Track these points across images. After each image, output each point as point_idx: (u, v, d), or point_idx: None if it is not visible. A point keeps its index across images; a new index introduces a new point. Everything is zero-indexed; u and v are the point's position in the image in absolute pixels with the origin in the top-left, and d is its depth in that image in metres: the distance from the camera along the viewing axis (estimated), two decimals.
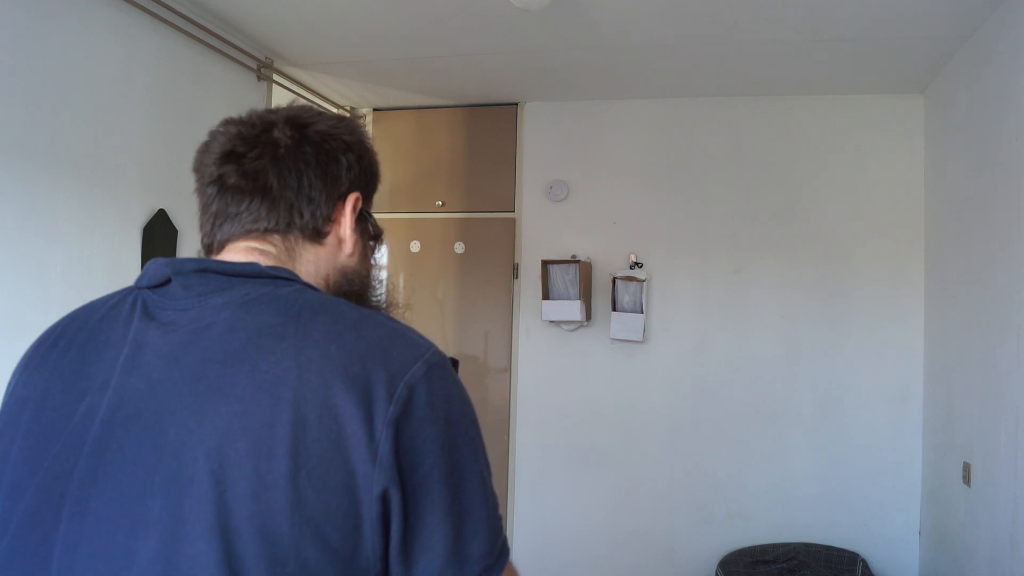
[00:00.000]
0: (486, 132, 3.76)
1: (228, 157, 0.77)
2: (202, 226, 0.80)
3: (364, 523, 0.62)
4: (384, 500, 0.62)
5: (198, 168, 0.80)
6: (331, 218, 0.80)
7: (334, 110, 3.75)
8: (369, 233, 0.85)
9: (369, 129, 3.89)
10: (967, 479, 2.63)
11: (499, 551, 0.68)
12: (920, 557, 3.21)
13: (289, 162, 0.76)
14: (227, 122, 0.80)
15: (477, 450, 0.69)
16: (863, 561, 3.16)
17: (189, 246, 2.62)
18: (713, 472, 3.43)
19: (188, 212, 2.63)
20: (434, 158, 3.81)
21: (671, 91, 3.46)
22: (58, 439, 0.67)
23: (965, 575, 2.64)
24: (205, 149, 0.79)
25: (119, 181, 2.34)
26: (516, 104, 3.72)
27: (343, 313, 0.69)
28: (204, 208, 0.79)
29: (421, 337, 0.70)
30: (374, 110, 3.90)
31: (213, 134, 0.80)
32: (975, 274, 2.63)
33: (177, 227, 2.57)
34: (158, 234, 2.48)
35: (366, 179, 0.84)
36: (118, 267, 2.33)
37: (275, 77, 3.19)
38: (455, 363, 1.15)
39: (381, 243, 0.88)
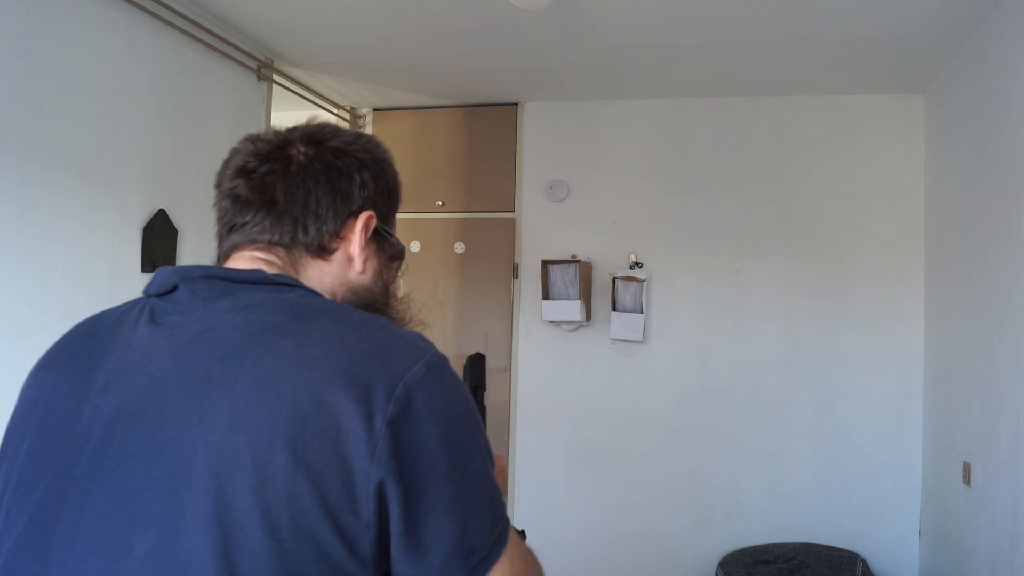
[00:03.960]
0: (486, 132, 3.76)
1: (241, 172, 0.79)
2: (216, 237, 0.82)
3: (361, 519, 0.62)
4: (381, 496, 0.63)
5: (218, 183, 0.82)
6: (339, 235, 0.80)
7: (334, 110, 3.75)
8: (387, 251, 0.85)
9: (369, 129, 3.89)
10: (967, 479, 2.63)
11: (496, 538, 0.69)
12: (920, 557, 3.21)
13: (298, 179, 0.78)
14: (247, 139, 0.82)
15: (479, 445, 0.70)
16: (863, 561, 3.16)
17: (189, 246, 2.62)
18: (713, 472, 3.43)
19: (188, 212, 2.63)
20: (434, 158, 3.81)
21: (671, 91, 3.46)
22: (62, 438, 0.69)
23: (965, 575, 2.64)
24: (225, 164, 0.82)
25: (119, 181, 2.34)
26: (516, 104, 3.72)
27: (345, 316, 0.70)
28: (219, 219, 0.81)
29: (422, 339, 0.71)
30: (374, 110, 3.90)
31: (233, 150, 0.82)
32: (975, 274, 2.63)
33: (177, 227, 2.57)
34: (158, 234, 2.48)
35: (383, 198, 0.83)
36: (118, 267, 2.33)
37: (275, 77, 3.19)
38: (482, 357, 1.13)
39: (402, 261, 0.89)
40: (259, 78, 3.07)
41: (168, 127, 2.56)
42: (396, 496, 0.63)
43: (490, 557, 0.67)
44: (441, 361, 0.69)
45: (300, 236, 0.78)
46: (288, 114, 3.66)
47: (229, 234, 0.80)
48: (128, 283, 2.37)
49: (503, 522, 0.70)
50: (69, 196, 2.15)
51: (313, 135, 0.81)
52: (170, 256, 2.53)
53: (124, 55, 2.35)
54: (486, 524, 0.68)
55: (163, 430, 0.64)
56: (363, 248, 0.81)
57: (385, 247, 0.85)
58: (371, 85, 3.50)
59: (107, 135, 2.29)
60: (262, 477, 0.61)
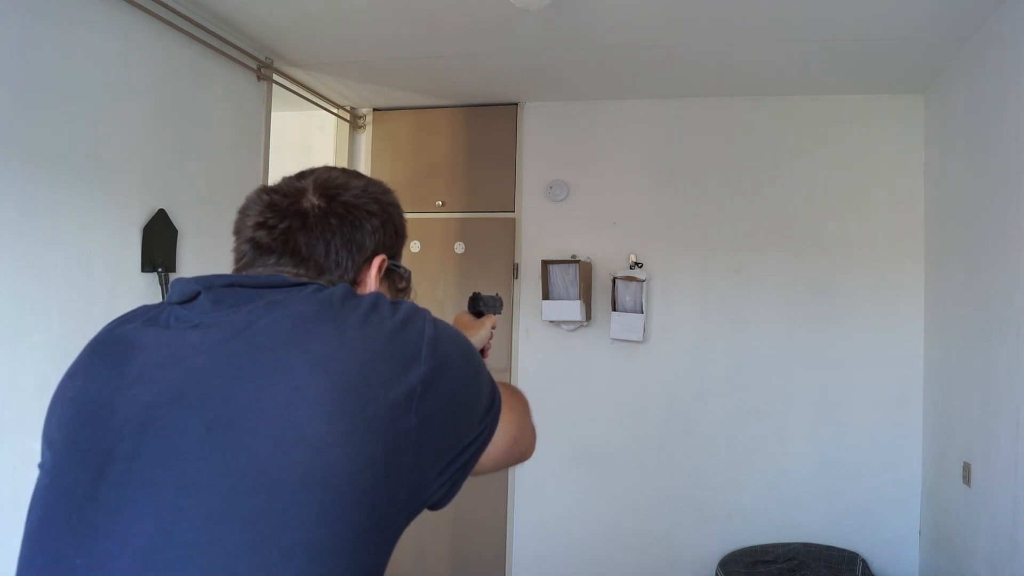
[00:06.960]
0: (486, 132, 3.76)
1: (262, 226, 0.87)
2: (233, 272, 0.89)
3: (404, 467, 0.74)
4: (422, 438, 0.75)
5: (238, 231, 0.89)
6: (356, 280, 0.89)
7: (334, 110, 3.75)
8: (396, 282, 0.96)
9: (369, 129, 3.89)
10: (967, 479, 2.63)
11: (495, 410, 0.88)
12: (920, 557, 3.21)
13: (316, 231, 0.86)
14: (261, 190, 0.90)
15: (477, 356, 0.87)
16: (863, 561, 3.16)
17: (189, 246, 2.62)
18: (713, 472, 3.43)
19: (188, 212, 2.63)
20: (434, 158, 3.81)
21: (671, 91, 3.46)
22: (95, 425, 0.75)
23: (965, 575, 2.64)
24: (243, 215, 0.89)
25: (119, 181, 2.34)
26: (516, 104, 3.72)
27: (361, 301, 0.80)
28: (237, 260, 0.89)
29: (414, 304, 0.84)
30: (374, 110, 3.90)
31: (249, 201, 0.90)
32: (975, 274, 2.63)
33: (177, 227, 2.57)
34: (158, 234, 2.48)
35: (392, 239, 0.93)
36: (118, 267, 2.33)
37: (275, 77, 3.19)
38: (500, 300, 1.42)
39: (409, 293, 0.98)
40: (259, 78, 3.07)
41: (168, 127, 2.55)
42: (431, 435, 0.76)
43: (496, 416, 0.87)
44: (431, 315, 0.84)
45: (325, 276, 0.87)
46: (288, 114, 3.65)
47: (249, 269, 0.87)
48: (128, 283, 2.37)
49: (497, 393, 0.90)
50: (69, 196, 2.15)
51: (325, 187, 0.88)
52: (170, 256, 2.53)
53: (124, 55, 2.35)
54: (494, 397, 0.88)
55: (211, 410, 0.71)
56: (377, 288, 0.90)
57: (395, 278, 0.96)
58: (371, 85, 3.50)
59: (107, 135, 2.29)
60: (324, 442, 0.70)
